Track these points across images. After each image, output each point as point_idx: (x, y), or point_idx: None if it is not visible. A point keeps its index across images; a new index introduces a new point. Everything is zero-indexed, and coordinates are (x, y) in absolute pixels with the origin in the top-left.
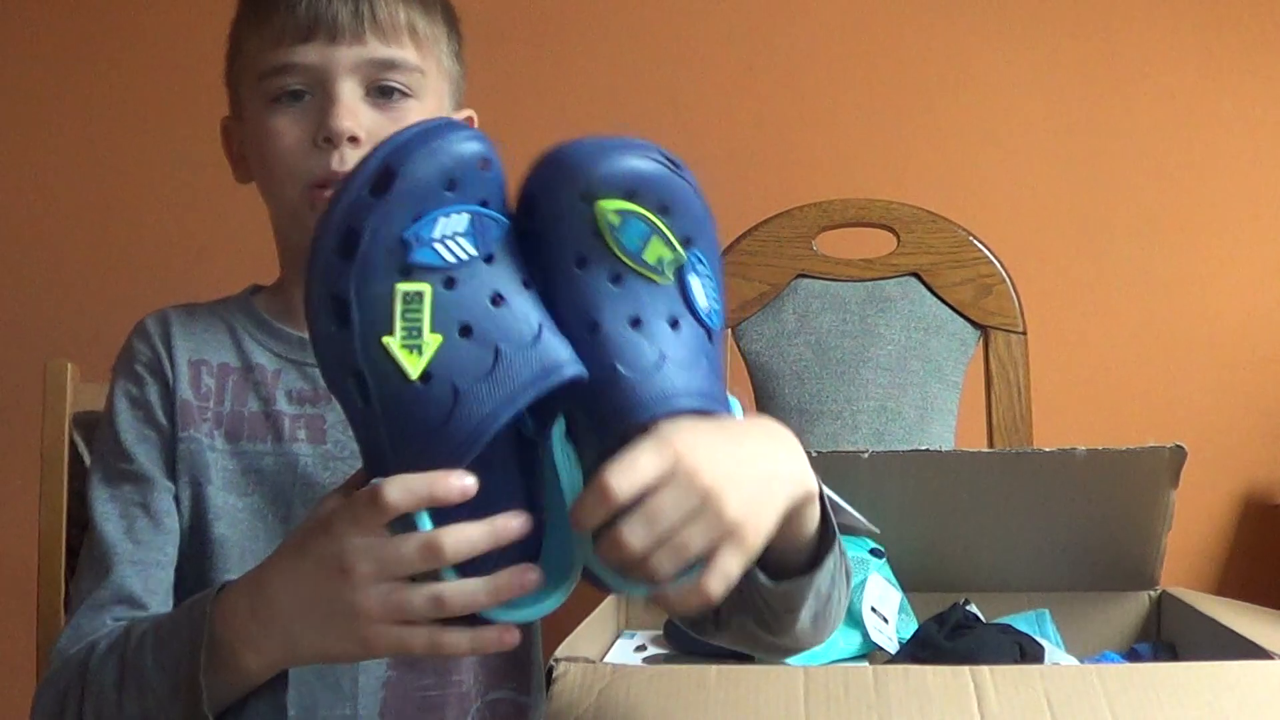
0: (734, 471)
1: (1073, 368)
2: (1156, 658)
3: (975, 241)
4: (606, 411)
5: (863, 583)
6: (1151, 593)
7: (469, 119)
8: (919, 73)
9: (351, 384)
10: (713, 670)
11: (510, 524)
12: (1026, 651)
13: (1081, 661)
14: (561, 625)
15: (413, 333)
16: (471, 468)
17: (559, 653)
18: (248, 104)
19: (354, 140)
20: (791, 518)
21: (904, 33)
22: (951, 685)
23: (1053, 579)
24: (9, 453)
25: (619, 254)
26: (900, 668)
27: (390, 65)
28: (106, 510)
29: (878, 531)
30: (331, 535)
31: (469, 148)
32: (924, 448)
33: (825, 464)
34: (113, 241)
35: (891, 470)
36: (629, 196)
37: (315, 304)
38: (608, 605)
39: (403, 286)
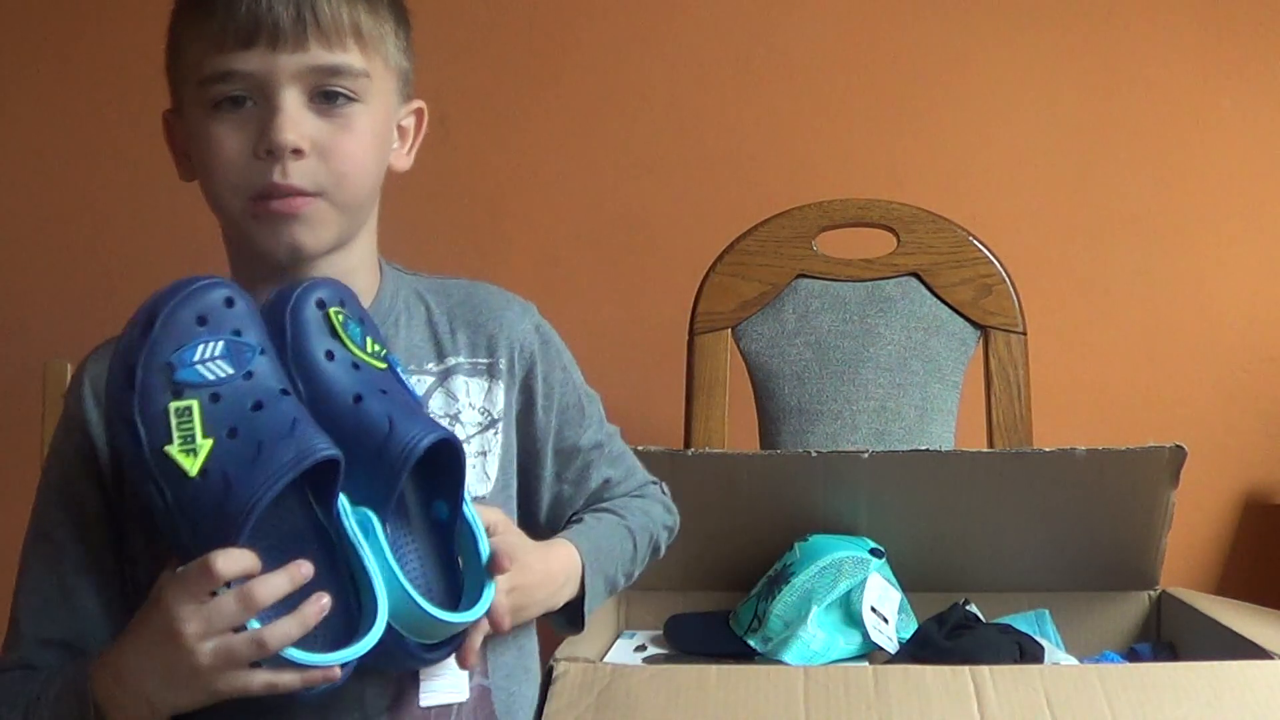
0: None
1: (1073, 368)
2: (1156, 658)
3: (975, 241)
4: (393, 453)
5: (863, 583)
6: (1151, 593)
7: (417, 110)
8: (919, 73)
9: (152, 489)
10: (713, 670)
11: (300, 569)
12: (1026, 651)
13: (1081, 661)
14: None
15: (187, 439)
16: (278, 545)
17: (559, 653)
18: (189, 106)
19: (297, 152)
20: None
21: (904, 33)
22: (951, 685)
23: (1053, 579)
24: (9, 452)
25: (351, 347)
26: (900, 668)
27: (334, 71)
28: (27, 571)
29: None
30: (161, 607)
31: (212, 292)
32: (924, 448)
33: (825, 464)
34: (113, 241)
35: (891, 470)
36: (342, 308)
37: (114, 430)
38: (608, 606)
39: (174, 404)
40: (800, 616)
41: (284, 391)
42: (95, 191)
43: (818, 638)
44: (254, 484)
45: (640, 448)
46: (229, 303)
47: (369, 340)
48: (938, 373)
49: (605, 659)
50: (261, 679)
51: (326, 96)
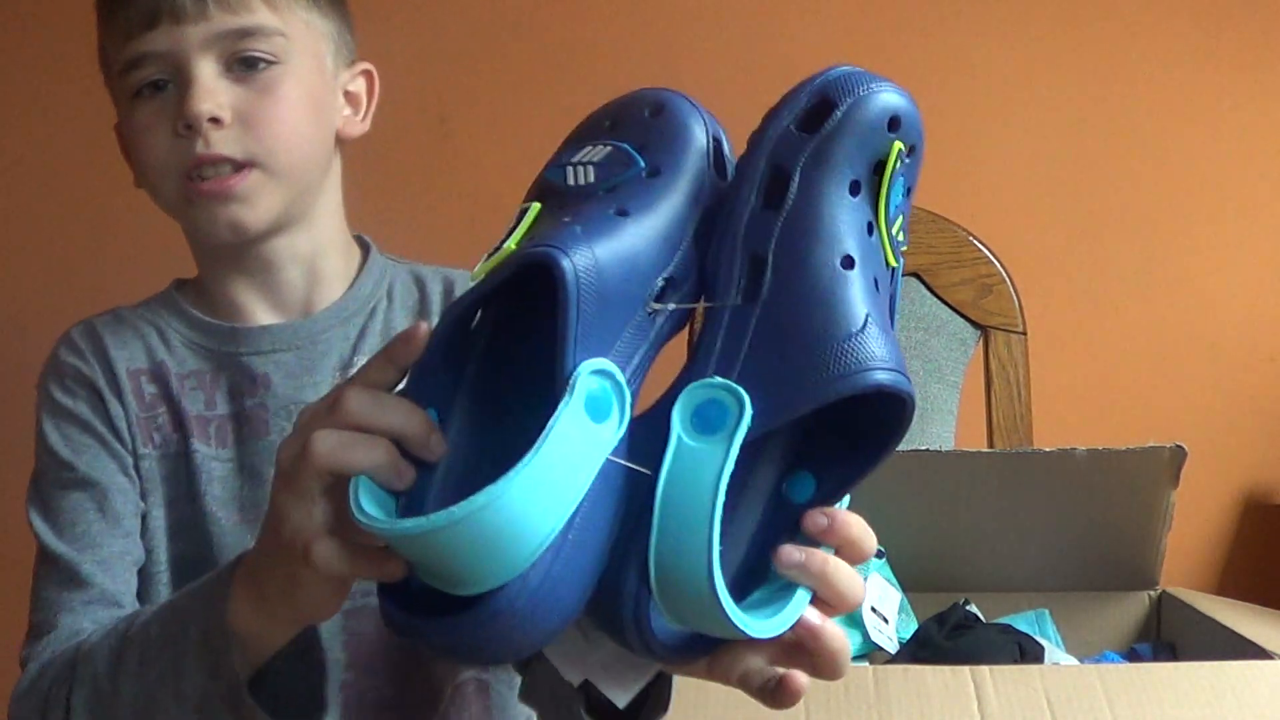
0: None
1: (1073, 368)
2: (1156, 658)
3: (975, 241)
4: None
5: (862, 583)
6: (1151, 593)
7: (365, 73)
8: (919, 72)
9: None
10: None
11: (403, 335)
12: (1026, 651)
13: (1081, 661)
14: None
15: (500, 245)
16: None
17: None
18: (118, 104)
19: (215, 121)
20: None
21: (904, 32)
22: (951, 685)
23: (1053, 579)
24: (9, 452)
25: (882, 204)
26: (900, 668)
27: (244, 34)
28: (56, 524)
29: None
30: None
31: (647, 93)
32: (924, 448)
33: None
34: (112, 241)
35: (891, 470)
36: (909, 154)
37: None
38: None
39: (523, 205)
40: None
41: (620, 211)
42: (95, 191)
43: None
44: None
45: None
46: (656, 110)
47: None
48: (938, 373)
49: None
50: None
51: (246, 63)
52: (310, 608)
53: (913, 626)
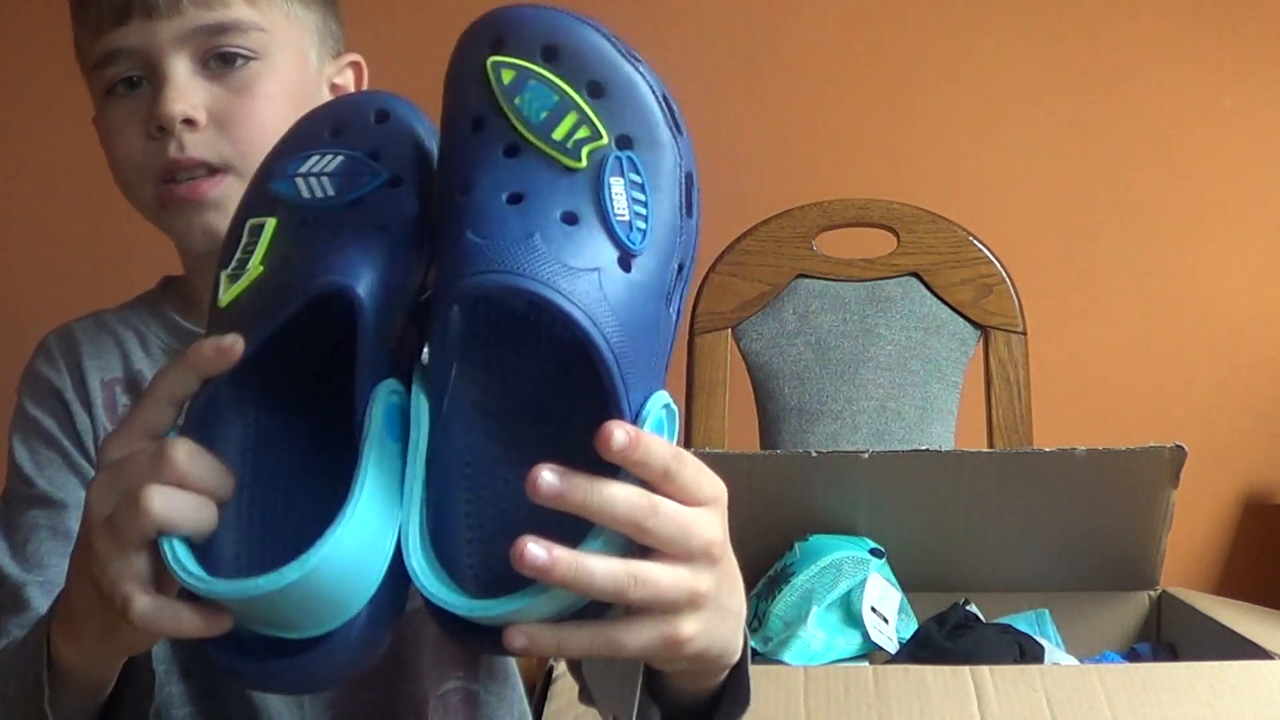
0: (737, 570)
1: (1073, 368)
2: (1156, 658)
3: (975, 241)
4: (436, 290)
5: (863, 583)
6: (1151, 593)
7: (354, 65)
8: (919, 72)
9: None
10: None
11: (216, 346)
12: (1026, 651)
13: (1081, 661)
14: None
15: (241, 265)
16: (282, 441)
17: None
18: (94, 101)
19: (189, 123)
20: (711, 671)
21: (904, 32)
22: (951, 685)
23: (1053, 579)
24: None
25: (516, 120)
26: (900, 668)
27: (221, 29)
28: (12, 542)
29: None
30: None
31: (367, 100)
32: (924, 448)
33: (825, 464)
34: (112, 242)
35: (891, 470)
36: (544, 58)
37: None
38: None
39: (252, 220)
40: (800, 616)
41: (381, 227)
42: (95, 191)
43: (818, 638)
44: (254, 320)
45: None
46: (381, 116)
47: (569, 114)
48: (938, 373)
49: None
50: (183, 623)
51: (222, 60)
52: (129, 647)
53: (913, 626)
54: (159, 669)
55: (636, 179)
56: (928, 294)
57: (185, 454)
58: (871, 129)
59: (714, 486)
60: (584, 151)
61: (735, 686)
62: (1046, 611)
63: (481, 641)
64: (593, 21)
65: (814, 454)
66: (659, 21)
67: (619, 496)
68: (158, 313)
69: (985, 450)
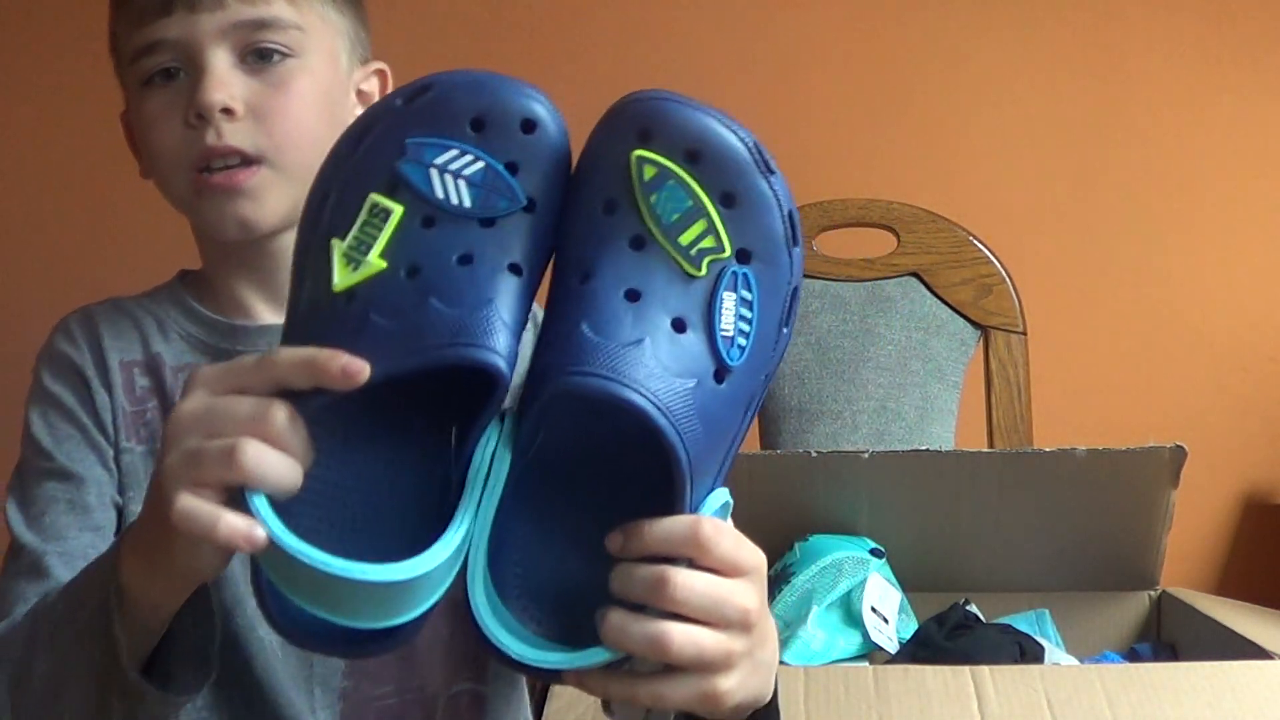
0: (771, 628)
1: (1073, 368)
2: (1156, 658)
3: (975, 241)
4: (540, 370)
5: (863, 583)
6: (1151, 593)
7: (379, 73)
8: (919, 73)
9: (295, 278)
10: None
11: (345, 366)
12: (1026, 651)
13: (1081, 661)
14: None
15: (361, 247)
16: (369, 446)
17: None
18: (128, 92)
19: (228, 112)
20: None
21: (904, 32)
22: (951, 685)
23: (1053, 579)
24: (9, 452)
25: (648, 216)
26: (900, 668)
27: (261, 25)
28: (29, 513)
29: None
30: (183, 390)
31: (517, 101)
32: (924, 448)
33: (825, 464)
34: (112, 241)
35: (891, 470)
36: (688, 159)
37: (311, 190)
38: None
39: (376, 197)
40: (800, 616)
41: (515, 268)
42: (95, 191)
43: (818, 638)
44: (382, 347)
45: None
46: (528, 126)
47: (698, 223)
48: (938, 373)
49: None
50: (209, 514)
51: (260, 55)
52: (189, 573)
53: (913, 626)
54: None
55: (748, 296)
56: (928, 294)
57: (285, 418)
58: (871, 129)
59: (753, 558)
60: (705, 261)
61: (768, 717)
62: (1046, 611)
63: (529, 672)
64: (736, 126)
65: (814, 454)
66: (659, 21)
67: (678, 580)
68: (177, 300)
69: (985, 450)
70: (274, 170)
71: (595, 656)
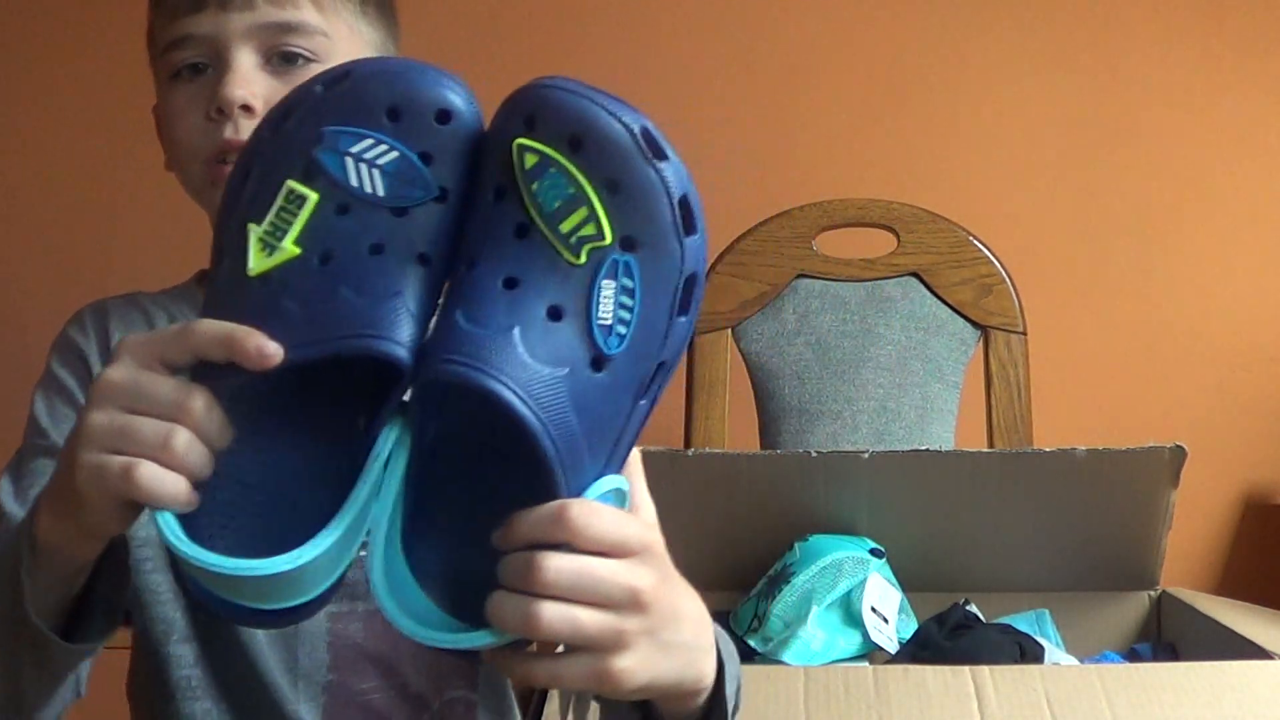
0: (685, 609)
1: (1073, 368)
2: (1156, 658)
3: (975, 241)
4: (420, 357)
5: (863, 583)
6: (1151, 593)
7: None
8: (919, 73)
9: (214, 257)
10: None
11: (259, 346)
12: (1026, 651)
13: (1081, 661)
14: None
15: (277, 233)
16: (277, 423)
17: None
18: (157, 85)
19: (247, 109)
20: (676, 697)
21: (904, 32)
22: (951, 685)
23: (1053, 579)
24: (9, 452)
25: (530, 204)
26: (900, 668)
27: (287, 29)
28: (18, 486)
29: None
30: (110, 358)
31: (434, 91)
32: (924, 448)
33: (825, 464)
34: (113, 241)
35: (891, 470)
36: (570, 147)
37: (231, 173)
38: None
39: (292, 184)
40: (800, 616)
41: (423, 258)
42: (97, 191)
43: (818, 638)
44: (296, 334)
45: (640, 448)
46: (443, 117)
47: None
48: (938, 373)
49: None
50: (120, 465)
51: (285, 58)
52: (96, 523)
53: (913, 626)
54: (160, 629)
55: (629, 284)
56: (928, 294)
57: (203, 405)
58: (871, 129)
59: (641, 537)
60: (585, 249)
61: (716, 710)
62: (1046, 611)
63: (443, 649)
64: (625, 112)
65: (814, 454)
66: (659, 21)
67: (546, 564)
68: (190, 297)
69: (985, 450)
70: None
71: (481, 638)
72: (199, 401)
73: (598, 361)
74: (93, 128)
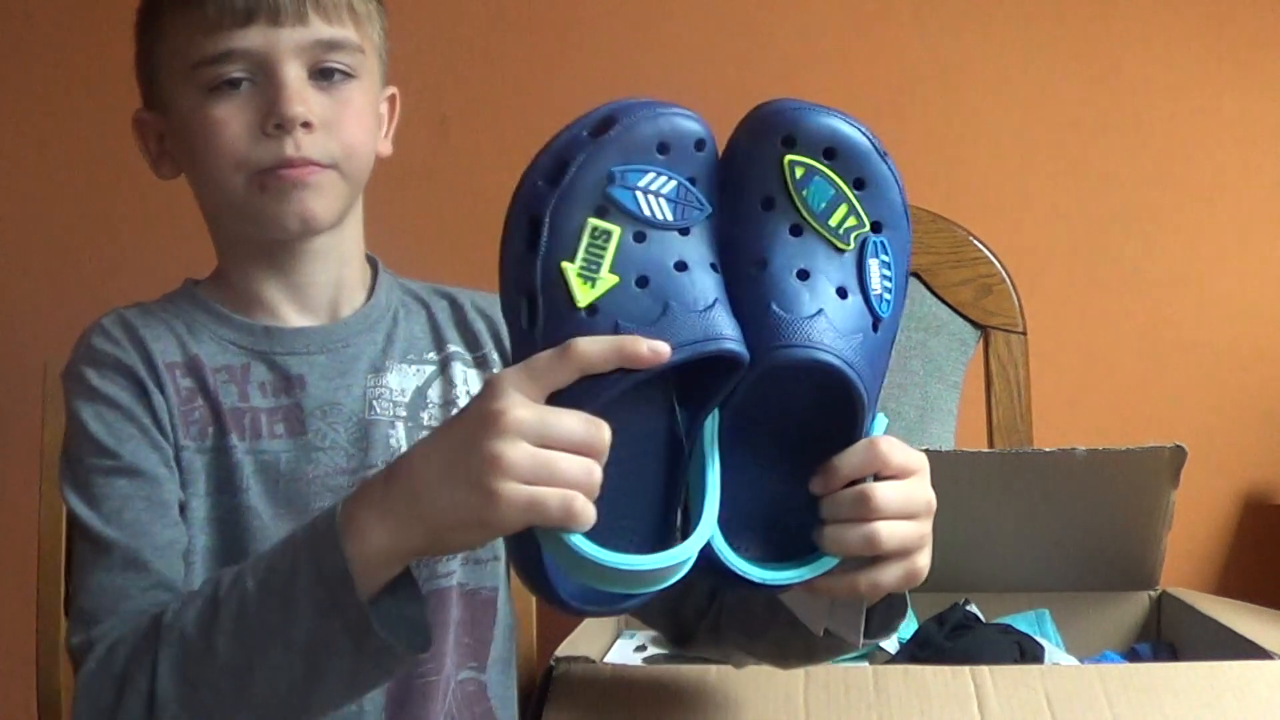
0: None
1: (1073, 368)
2: (1156, 658)
3: (975, 241)
4: (750, 348)
5: None
6: (1151, 593)
7: (391, 97)
8: (918, 72)
9: (524, 304)
10: (713, 670)
11: (651, 346)
12: (1026, 651)
13: (1081, 661)
14: (562, 625)
15: (592, 266)
16: (619, 436)
17: (559, 652)
18: (176, 96)
19: (306, 125)
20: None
21: (904, 33)
22: (951, 685)
23: (1053, 579)
24: (9, 452)
25: (801, 208)
26: (900, 668)
27: (334, 46)
28: (102, 511)
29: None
30: (493, 392)
31: (688, 124)
32: (924, 448)
33: None
34: (113, 241)
35: None
36: (826, 156)
37: (511, 225)
38: None
39: (594, 221)
40: None
41: (713, 266)
42: (95, 192)
43: None
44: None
45: None
46: (699, 145)
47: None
48: (938, 373)
49: (605, 659)
50: (558, 498)
51: (324, 73)
52: (464, 541)
53: (913, 626)
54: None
55: (886, 258)
56: (928, 294)
57: (607, 439)
58: (871, 129)
59: (921, 460)
60: (852, 237)
61: (898, 598)
62: (1046, 611)
63: (765, 590)
64: (856, 123)
65: None
66: (659, 21)
67: (877, 494)
68: (200, 304)
69: (985, 450)
70: (340, 176)
71: (824, 565)
72: (606, 435)
73: (876, 324)
74: (101, 132)
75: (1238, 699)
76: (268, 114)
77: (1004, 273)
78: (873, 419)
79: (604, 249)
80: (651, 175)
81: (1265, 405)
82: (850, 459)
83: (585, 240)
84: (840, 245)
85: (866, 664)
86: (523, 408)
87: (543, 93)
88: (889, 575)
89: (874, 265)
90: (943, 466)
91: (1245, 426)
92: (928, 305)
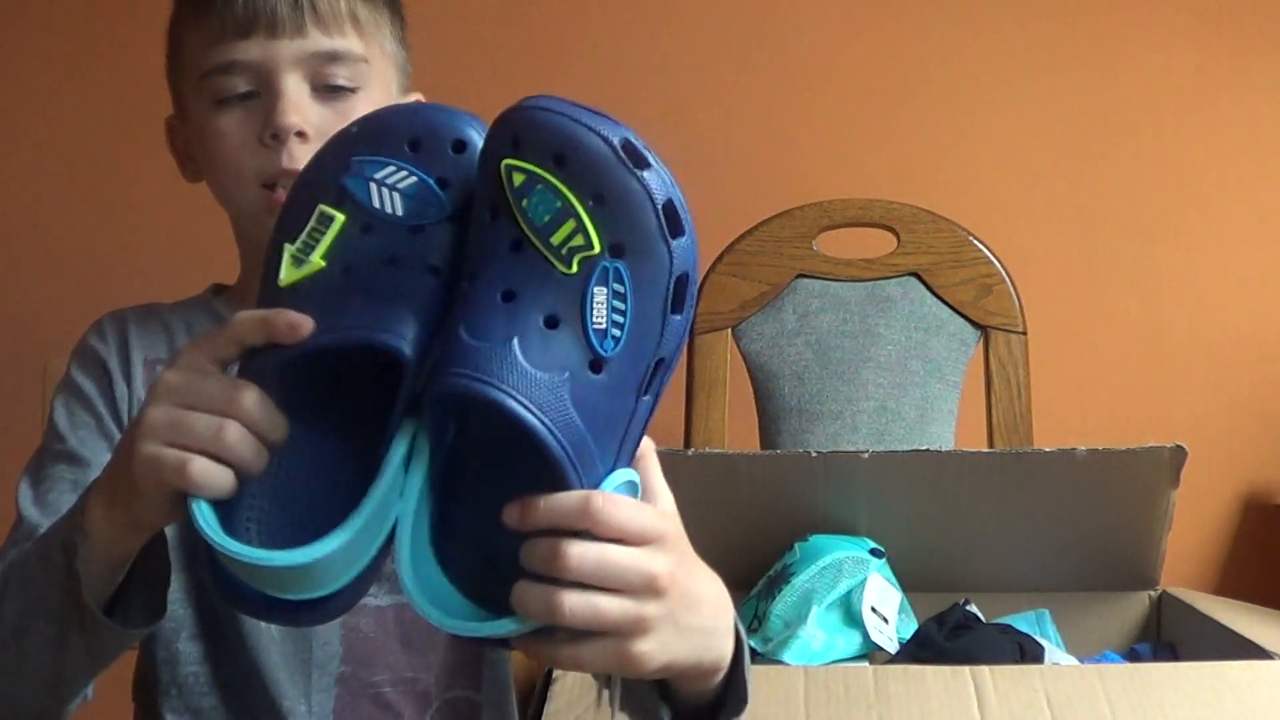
0: (703, 593)
1: (1073, 368)
2: (1156, 658)
3: (975, 241)
4: (434, 368)
5: (863, 583)
6: (1151, 593)
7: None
8: (919, 72)
9: (261, 271)
10: None
11: (288, 321)
12: (1026, 651)
13: (1081, 661)
14: None
15: (307, 249)
16: (322, 422)
17: None
18: (192, 104)
19: (301, 135)
20: (695, 677)
21: (904, 32)
22: (951, 685)
23: (1053, 579)
24: (9, 453)
25: (522, 220)
26: (900, 668)
27: (334, 57)
28: (36, 491)
29: None
30: (168, 362)
31: (450, 124)
32: (924, 448)
33: (825, 464)
34: (113, 241)
35: (891, 470)
36: (556, 163)
37: (288, 197)
38: None
39: (323, 206)
40: (800, 617)
41: (435, 269)
42: (95, 191)
43: (818, 638)
44: (317, 331)
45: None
46: (459, 147)
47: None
48: (938, 373)
49: None
50: (176, 459)
51: (328, 88)
52: (146, 515)
53: (913, 626)
54: (169, 626)
55: (620, 288)
56: (928, 294)
57: (253, 398)
58: (871, 129)
59: (657, 525)
60: (576, 259)
61: (733, 690)
62: (1046, 611)
63: (470, 639)
64: (605, 126)
65: (814, 454)
66: (659, 21)
67: (570, 550)
68: (208, 309)
69: (985, 450)
70: None
71: (506, 626)
72: (248, 395)
73: (596, 364)
74: (101, 132)
75: (1238, 699)
76: (265, 125)
77: (1004, 273)
78: (605, 474)
79: (322, 234)
80: (391, 169)
81: (1265, 405)
82: (556, 503)
83: (311, 224)
84: (561, 268)
85: (866, 664)
86: (174, 372)
87: (540, 92)
88: (592, 653)
89: (600, 294)
90: (943, 466)
91: (1245, 426)
92: (928, 305)
